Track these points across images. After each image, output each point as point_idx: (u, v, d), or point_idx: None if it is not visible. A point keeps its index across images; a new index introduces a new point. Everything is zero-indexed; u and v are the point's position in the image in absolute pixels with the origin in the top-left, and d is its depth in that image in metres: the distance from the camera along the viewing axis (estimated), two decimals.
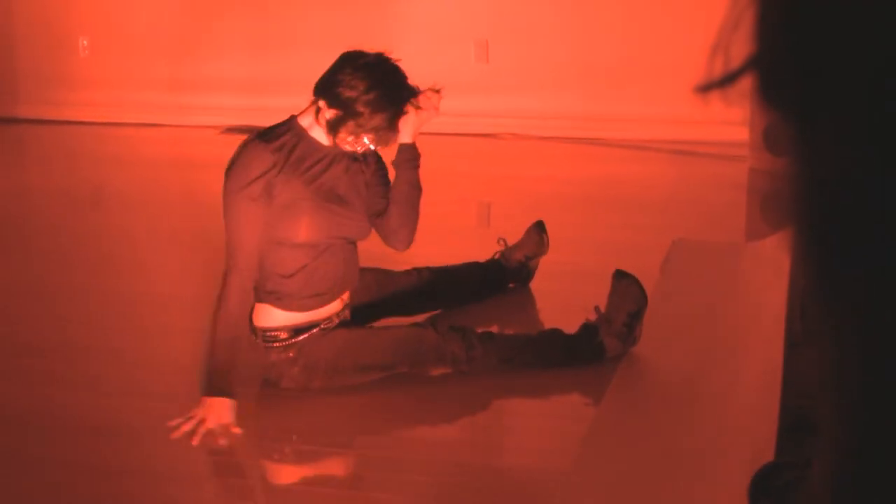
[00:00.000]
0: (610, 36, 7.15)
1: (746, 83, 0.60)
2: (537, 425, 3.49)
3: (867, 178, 0.55)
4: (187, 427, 3.38)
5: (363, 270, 3.97)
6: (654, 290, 4.28)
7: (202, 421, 3.38)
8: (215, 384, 3.43)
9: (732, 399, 3.44)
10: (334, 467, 3.36)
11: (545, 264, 4.70)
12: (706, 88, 0.60)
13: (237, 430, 3.38)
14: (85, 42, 8.18)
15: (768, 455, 2.77)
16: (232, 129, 7.57)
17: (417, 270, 4.30)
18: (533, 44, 7.29)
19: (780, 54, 0.58)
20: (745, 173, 6.05)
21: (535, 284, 4.59)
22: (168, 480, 3.26)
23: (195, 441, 3.34)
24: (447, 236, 5.04)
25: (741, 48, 0.59)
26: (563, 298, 4.44)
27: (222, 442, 3.35)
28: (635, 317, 3.81)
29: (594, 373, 3.73)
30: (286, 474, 3.34)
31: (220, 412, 3.39)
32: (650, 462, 3.12)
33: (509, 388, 3.73)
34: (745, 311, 4.12)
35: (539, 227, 4.64)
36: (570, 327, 4.00)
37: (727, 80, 0.60)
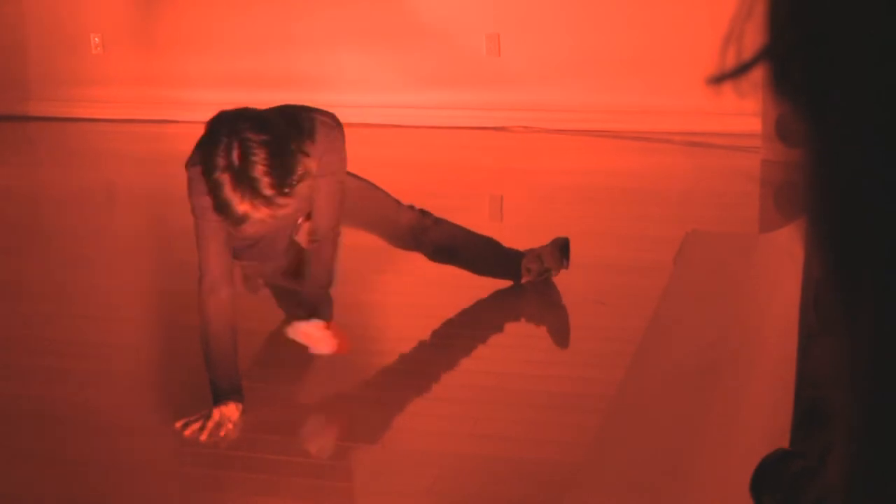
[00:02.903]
0: (622, 27, 7.14)
1: (759, 74, 0.59)
2: (550, 418, 3.49)
3: (881, 168, 0.55)
4: (196, 426, 3.42)
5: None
6: (667, 282, 4.27)
7: (209, 419, 3.43)
8: (219, 389, 3.48)
9: (746, 391, 3.43)
10: (346, 461, 3.36)
11: None
12: (718, 80, 0.60)
13: (230, 427, 3.42)
14: (97, 39, 8.19)
15: (783, 446, 2.77)
16: None
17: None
18: (544, 37, 7.28)
19: (791, 44, 0.58)
20: (759, 164, 6.04)
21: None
22: (187, 477, 3.28)
23: (203, 437, 3.38)
24: None
25: (753, 39, 0.58)
26: (575, 290, 4.44)
27: (221, 434, 3.41)
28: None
29: (606, 365, 3.73)
30: (301, 469, 3.34)
31: (226, 412, 3.45)
32: (664, 454, 3.11)
33: (521, 381, 3.73)
34: (759, 302, 4.12)
35: (564, 249, 4.52)
36: (582, 319, 4.00)
37: (739, 72, 0.59)
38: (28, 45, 8.30)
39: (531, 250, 4.48)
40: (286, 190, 3.24)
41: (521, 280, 4.46)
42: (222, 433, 3.41)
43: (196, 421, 3.44)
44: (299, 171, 3.28)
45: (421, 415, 3.61)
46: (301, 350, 3.85)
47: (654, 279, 4.34)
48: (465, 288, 4.66)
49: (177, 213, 5.83)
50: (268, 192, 3.21)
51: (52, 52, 8.24)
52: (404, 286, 4.58)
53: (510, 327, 4.28)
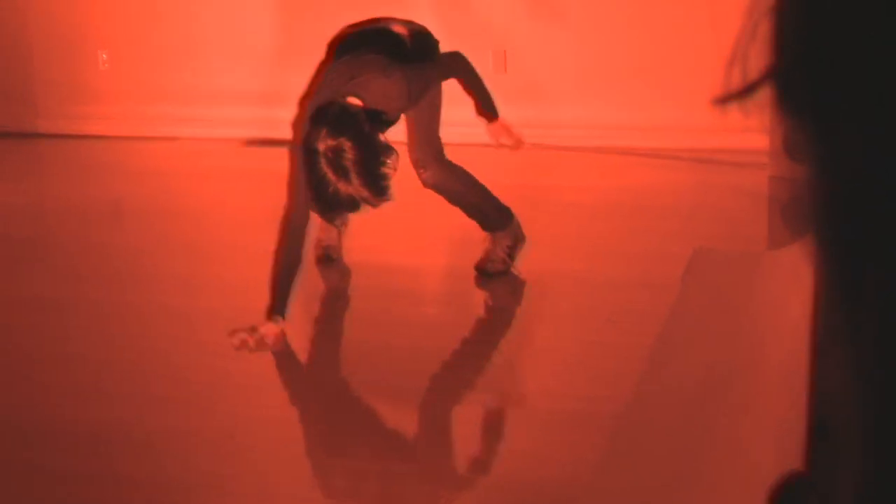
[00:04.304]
0: (628, 44, 7.14)
1: (764, 93, 0.59)
2: (558, 435, 3.48)
3: (886, 184, 0.55)
4: (243, 339, 4.01)
5: None
6: (675, 299, 4.27)
7: (254, 333, 4.01)
8: (270, 309, 4.04)
9: (756, 409, 3.42)
10: (359, 481, 3.36)
11: (567, 272, 4.70)
12: (724, 101, 0.60)
13: (269, 344, 4.01)
14: (104, 55, 8.21)
15: (794, 464, 2.76)
16: (254, 142, 7.58)
17: None
18: (551, 53, 7.28)
19: (796, 64, 0.58)
20: (767, 181, 6.04)
21: (555, 293, 4.59)
22: (182, 489, 3.27)
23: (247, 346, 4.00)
24: (468, 246, 5.02)
25: (759, 58, 0.58)
26: (584, 307, 4.43)
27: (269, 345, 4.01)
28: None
29: (614, 382, 3.73)
30: (309, 487, 3.34)
31: (266, 330, 4.03)
32: (673, 473, 3.11)
33: (529, 398, 3.73)
34: (768, 319, 4.11)
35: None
36: (591, 336, 3.99)
37: (745, 93, 0.59)
38: (35, 61, 8.32)
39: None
40: (386, 195, 3.88)
41: (495, 232, 4.76)
42: (270, 343, 4.00)
43: (243, 334, 4.01)
44: (391, 172, 3.88)
45: (429, 433, 3.61)
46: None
47: (663, 296, 4.33)
48: (474, 306, 4.67)
49: (184, 229, 5.84)
50: (374, 200, 3.86)
51: (60, 69, 8.25)
52: (415, 302, 4.58)
53: (518, 344, 4.28)
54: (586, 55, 7.24)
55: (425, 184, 4.64)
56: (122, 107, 8.14)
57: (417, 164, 4.60)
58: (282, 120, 7.09)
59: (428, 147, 4.60)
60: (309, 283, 4.69)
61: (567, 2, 7.25)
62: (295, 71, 7.78)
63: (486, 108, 4.59)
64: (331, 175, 3.80)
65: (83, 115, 8.16)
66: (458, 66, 4.51)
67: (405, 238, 5.35)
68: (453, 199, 4.70)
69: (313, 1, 7.64)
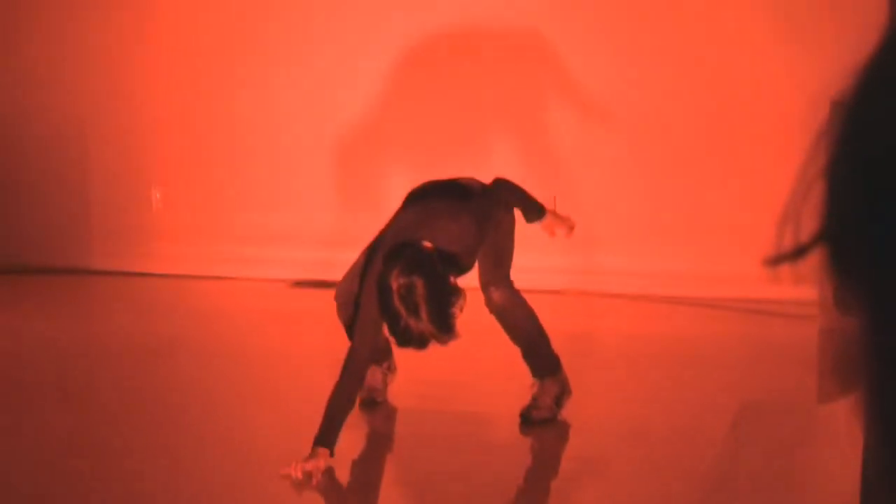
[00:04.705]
0: (677, 194, 7.16)
1: (816, 253, 0.59)
2: None
3: None
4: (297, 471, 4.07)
5: None
6: (723, 454, 4.22)
7: (306, 464, 4.07)
8: (320, 440, 4.12)
9: None
10: None
11: (612, 421, 4.66)
12: (776, 262, 0.60)
13: (319, 477, 4.07)
14: (158, 195, 8.31)
15: None
16: (302, 283, 7.62)
17: None
18: (600, 201, 7.31)
19: (849, 228, 0.58)
20: (816, 333, 5.99)
21: (600, 442, 4.54)
22: None
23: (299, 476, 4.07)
24: (513, 394, 4.99)
25: (810, 219, 0.58)
26: (629, 457, 4.38)
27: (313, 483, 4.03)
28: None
29: None
30: None
31: (311, 466, 4.08)
32: None
33: None
34: (818, 475, 4.05)
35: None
36: (637, 487, 3.94)
37: (797, 255, 0.59)
38: (89, 199, 8.43)
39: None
40: (452, 333, 4.05)
41: (544, 378, 4.76)
42: (314, 482, 4.04)
43: (298, 468, 4.07)
44: (458, 312, 4.06)
45: None
46: None
47: (709, 448, 4.28)
48: (520, 453, 4.62)
49: (234, 370, 5.85)
50: (441, 337, 4.04)
51: (113, 207, 8.35)
52: (459, 449, 4.55)
53: (565, 495, 4.23)
54: (636, 203, 7.27)
55: (492, 307, 4.74)
56: (174, 246, 8.21)
57: (488, 285, 4.73)
58: (330, 262, 7.16)
59: (500, 270, 4.76)
60: (353, 426, 4.66)
61: (616, 151, 7.30)
62: (344, 214, 7.86)
63: (533, 216, 4.81)
64: (402, 311, 3.98)
65: (136, 254, 8.23)
66: (507, 191, 4.77)
67: (449, 383, 5.33)
68: (514, 327, 4.76)
69: (365, 149, 7.73)
